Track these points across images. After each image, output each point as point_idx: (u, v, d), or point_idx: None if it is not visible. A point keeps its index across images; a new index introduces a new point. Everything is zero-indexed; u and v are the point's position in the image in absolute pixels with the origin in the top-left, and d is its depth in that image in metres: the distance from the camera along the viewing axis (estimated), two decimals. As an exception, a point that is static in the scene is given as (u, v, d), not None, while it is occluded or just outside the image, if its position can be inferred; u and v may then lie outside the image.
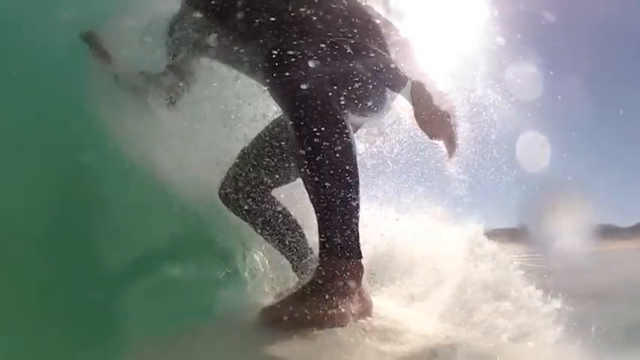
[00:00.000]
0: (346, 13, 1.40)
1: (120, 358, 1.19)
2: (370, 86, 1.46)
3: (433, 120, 1.30)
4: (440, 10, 1.95)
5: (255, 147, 1.64)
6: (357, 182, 1.20)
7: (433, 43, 1.75)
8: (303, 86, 1.14)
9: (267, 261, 1.80)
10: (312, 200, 1.20)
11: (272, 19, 1.41)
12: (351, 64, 1.38)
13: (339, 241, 1.16)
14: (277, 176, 1.63)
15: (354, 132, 1.50)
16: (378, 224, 1.90)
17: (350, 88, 1.39)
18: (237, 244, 1.79)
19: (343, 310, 1.12)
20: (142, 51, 1.64)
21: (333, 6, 1.41)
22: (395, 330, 1.11)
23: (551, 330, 1.85)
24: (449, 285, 1.82)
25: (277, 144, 1.61)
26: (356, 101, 1.43)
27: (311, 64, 1.18)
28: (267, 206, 1.66)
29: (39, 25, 1.66)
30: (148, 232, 1.57)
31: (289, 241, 1.68)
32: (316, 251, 1.20)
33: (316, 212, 1.19)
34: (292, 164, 1.61)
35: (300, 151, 1.16)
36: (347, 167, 1.18)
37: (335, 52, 1.33)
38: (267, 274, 1.78)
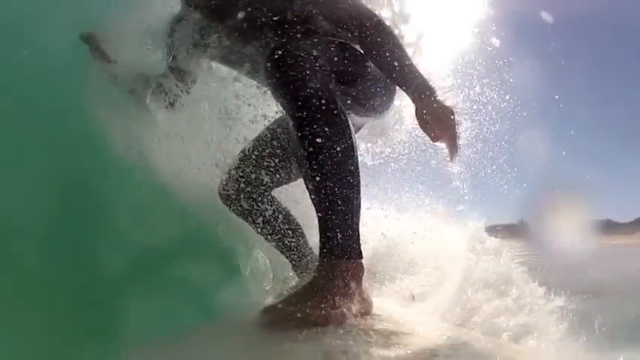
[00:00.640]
0: (350, 11, 1.39)
1: (120, 358, 1.19)
2: (377, 87, 1.45)
3: (435, 120, 1.29)
4: (440, 11, 1.95)
5: (256, 147, 1.64)
6: (359, 182, 1.20)
7: (433, 43, 1.74)
8: (305, 86, 1.13)
9: (267, 261, 1.80)
10: (313, 200, 1.20)
11: (274, 18, 1.40)
12: (355, 63, 1.38)
13: (340, 241, 1.16)
14: (278, 176, 1.63)
15: (356, 132, 1.50)
16: (378, 223, 1.90)
17: (356, 87, 1.39)
18: (237, 244, 1.79)
19: (344, 310, 1.12)
20: (141, 52, 1.64)
21: (337, 5, 1.40)
22: (395, 331, 1.11)
23: (553, 328, 1.85)
24: (450, 284, 1.81)
25: (278, 144, 1.61)
26: (362, 101, 1.43)
27: (313, 63, 1.17)
28: (267, 206, 1.66)
29: (39, 27, 1.66)
30: (148, 233, 1.57)
31: (289, 241, 1.68)
32: (316, 251, 1.20)
33: (317, 212, 1.18)
34: (293, 164, 1.61)
35: (302, 152, 1.16)
36: (348, 168, 1.17)
37: (338, 51, 1.33)
38: (267, 274, 1.78)
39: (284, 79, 1.14)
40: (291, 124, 1.17)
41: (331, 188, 1.15)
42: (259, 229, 1.68)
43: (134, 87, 1.67)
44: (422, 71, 1.34)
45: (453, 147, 1.32)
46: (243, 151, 1.67)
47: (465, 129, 1.34)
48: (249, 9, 1.44)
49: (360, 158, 1.24)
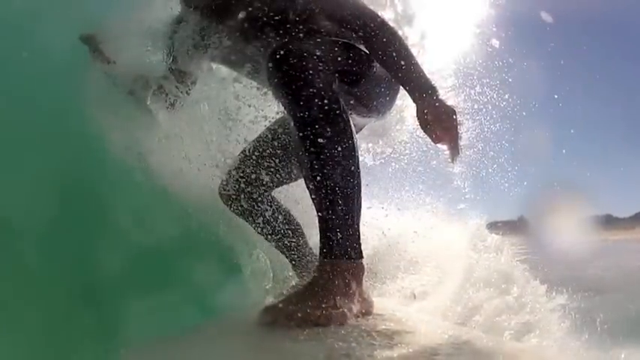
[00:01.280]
0: (353, 11, 1.38)
1: (120, 358, 1.19)
2: (380, 88, 1.45)
3: (436, 120, 1.29)
4: (440, 11, 1.94)
5: (257, 147, 1.63)
6: (359, 182, 1.20)
7: (434, 42, 1.74)
8: (307, 86, 1.13)
9: (268, 261, 1.80)
10: (313, 200, 1.20)
11: (275, 18, 1.40)
12: (360, 63, 1.37)
13: (340, 241, 1.16)
14: (278, 176, 1.63)
15: (358, 132, 1.50)
16: (379, 222, 1.90)
17: (360, 88, 1.39)
18: (238, 243, 1.79)
19: (344, 309, 1.12)
20: (141, 53, 1.64)
21: (339, 5, 1.40)
22: (396, 330, 1.10)
23: (555, 326, 1.85)
24: (451, 283, 1.81)
25: (279, 144, 1.61)
26: (365, 102, 1.42)
27: (315, 63, 1.16)
28: (267, 206, 1.66)
29: (39, 27, 1.66)
30: (148, 233, 1.57)
31: (290, 241, 1.68)
32: (317, 251, 1.20)
33: (317, 212, 1.18)
34: (294, 164, 1.61)
35: (303, 152, 1.15)
36: (349, 168, 1.17)
37: (342, 51, 1.32)
38: (268, 274, 1.78)
39: (285, 79, 1.14)
40: (292, 124, 1.17)
41: (332, 188, 1.15)
42: (259, 229, 1.67)
43: (134, 88, 1.66)
44: (425, 71, 1.34)
45: (454, 148, 1.31)
46: (243, 152, 1.66)
47: (466, 129, 1.33)
48: (250, 9, 1.43)
49: (360, 158, 1.24)
